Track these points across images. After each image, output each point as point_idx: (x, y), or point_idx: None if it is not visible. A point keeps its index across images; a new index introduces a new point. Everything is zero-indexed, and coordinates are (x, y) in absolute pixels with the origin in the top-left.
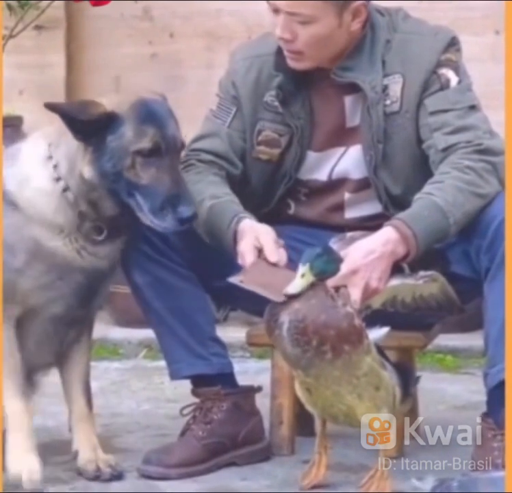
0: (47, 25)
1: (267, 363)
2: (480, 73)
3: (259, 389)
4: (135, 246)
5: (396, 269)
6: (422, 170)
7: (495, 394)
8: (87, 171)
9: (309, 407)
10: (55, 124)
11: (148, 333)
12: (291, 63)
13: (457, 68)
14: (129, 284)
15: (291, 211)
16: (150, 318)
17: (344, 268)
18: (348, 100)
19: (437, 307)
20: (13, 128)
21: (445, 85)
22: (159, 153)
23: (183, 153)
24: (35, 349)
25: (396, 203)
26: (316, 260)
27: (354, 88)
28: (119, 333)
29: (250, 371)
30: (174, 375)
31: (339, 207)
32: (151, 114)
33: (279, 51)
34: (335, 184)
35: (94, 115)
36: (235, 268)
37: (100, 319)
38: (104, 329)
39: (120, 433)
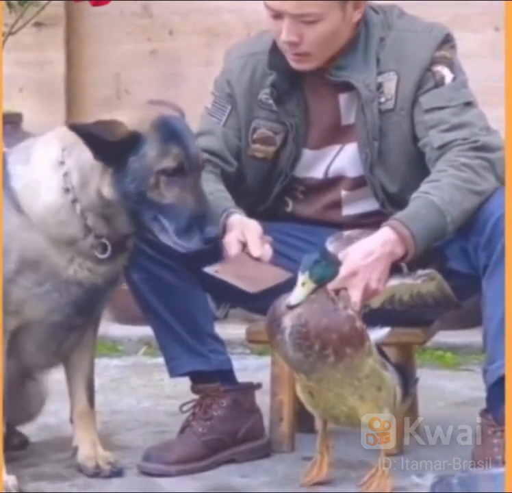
0: (47, 22)
1: (267, 360)
2: (479, 70)
3: (258, 386)
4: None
5: (395, 268)
6: (418, 167)
7: (495, 390)
8: (108, 191)
9: (310, 409)
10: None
11: (147, 330)
12: (296, 65)
13: (452, 65)
14: (127, 281)
15: (289, 208)
16: (148, 315)
17: (343, 270)
18: (343, 98)
19: (433, 304)
20: (13, 125)
21: (439, 83)
22: (183, 172)
23: None
24: (34, 351)
25: (393, 201)
26: (315, 267)
27: (348, 86)
28: (119, 330)
29: (250, 368)
30: (173, 372)
31: (336, 205)
32: (173, 132)
33: (273, 49)
34: (332, 182)
35: (119, 136)
36: None
37: None
38: (104, 326)
39: (120, 430)
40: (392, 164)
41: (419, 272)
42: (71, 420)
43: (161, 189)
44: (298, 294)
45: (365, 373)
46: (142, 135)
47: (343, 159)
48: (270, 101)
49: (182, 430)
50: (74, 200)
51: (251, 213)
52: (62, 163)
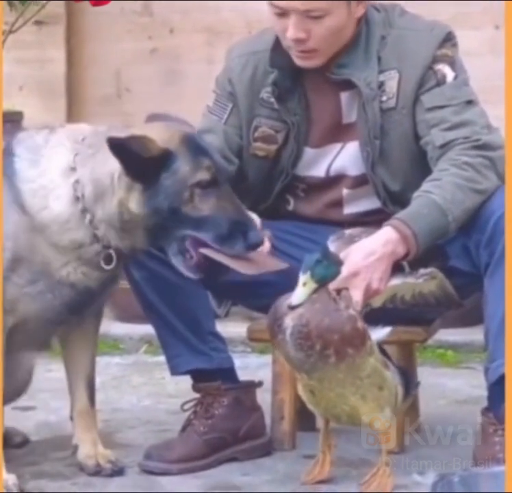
0: (47, 20)
1: (268, 358)
2: (479, 68)
3: (260, 384)
4: None
5: (396, 267)
6: (420, 166)
7: (496, 388)
8: (136, 208)
9: (311, 408)
10: (82, 128)
11: (149, 329)
12: (302, 62)
13: (453, 63)
14: (128, 279)
15: (291, 207)
16: (149, 313)
17: (345, 270)
18: (344, 96)
19: (435, 303)
20: (13, 123)
21: (441, 81)
22: (216, 183)
23: None
24: (22, 341)
25: (395, 199)
26: (316, 267)
27: (350, 84)
28: (120, 329)
29: (251, 366)
30: (174, 370)
31: (338, 203)
32: (201, 146)
33: (275, 47)
34: (333, 180)
35: (154, 152)
36: None
37: None
38: (105, 324)
39: (121, 428)
40: (394, 163)
41: (421, 270)
42: (71, 418)
43: (195, 202)
44: (300, 294)
45: (366, 373)
46: (173, 151)
47: (345, 157)
48: (272, 99)
49: (183, 428)
50: (84, 210)
51: (252, 212)
52: (73, 169)
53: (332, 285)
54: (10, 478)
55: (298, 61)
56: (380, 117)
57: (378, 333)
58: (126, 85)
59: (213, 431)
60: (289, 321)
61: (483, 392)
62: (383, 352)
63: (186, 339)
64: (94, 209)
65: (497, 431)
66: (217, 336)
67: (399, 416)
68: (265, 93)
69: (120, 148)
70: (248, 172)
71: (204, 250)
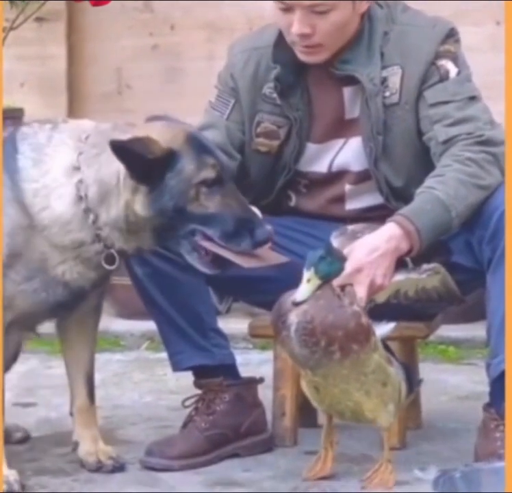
0: (48, 17)
1: (269, 354)
2: (480, 64)
3: (261, 380)
4: None
5: (399, 263)
6: (423, 161)
7: (498, 384)
8: (142, 210)
9: (315, 404)
10: (85, 126)
11: (150, 325)
12: (307, 58)
13: (456, 59)
14: (130, 275)
15: (292, 202)
16: (151, 309)
17: (349, 266)
18: (347, 91)
19: (437, 298)
20: (14, 120)
21: (444, 77)
22: (221, 181)
23: None
24: (13, 329)
25: (398, 195)
26: (320, 263)
27: (352, 80)
28: (121, 325)
29: (253, 362)
30: (176, 367)
31: (340, 199)
32: (204, 145)
33: (277, 43)
34: (335, 176)
35: (158, 153)
36: None
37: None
38: (106, 320)
39: (122, 424)
40: (397, 158)
41: (424, 266)
42: (71, 414)
43: (201, 200)
44: (304, 290)
45: (370, 369)
46: (177, 151)
47: (347, 153)
48: (274, 95)
49: (185, 425)
50: (87, 210)
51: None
52: (77, 168)
53: (336, 282)
54: (11, 475)
55: (303, 57)
56: (383, 113)
57: (382, 329)
58: (127, 81)
59: (215, 427)
60: (293, 318)
61: (485, 388)
62: (387, 348)
63: (188, 335)
64: (98, 210)
65: (498, 426)
66: (219, 332)
67: (401, 412)
68: (268, 88)
69: (123, 150)
70: (250, 168)
71: (205, 244)
